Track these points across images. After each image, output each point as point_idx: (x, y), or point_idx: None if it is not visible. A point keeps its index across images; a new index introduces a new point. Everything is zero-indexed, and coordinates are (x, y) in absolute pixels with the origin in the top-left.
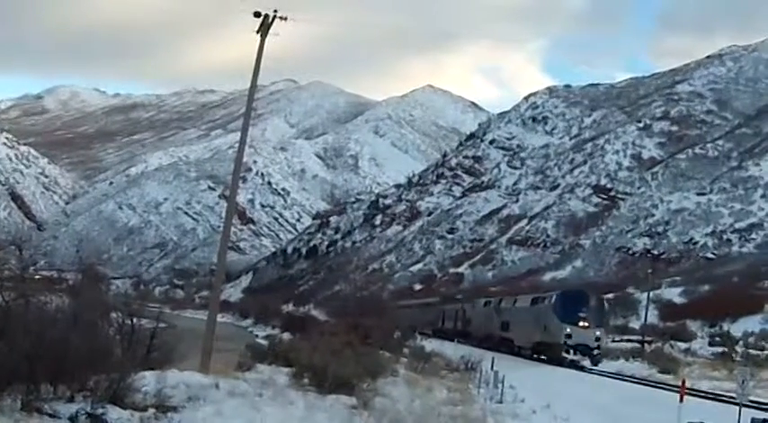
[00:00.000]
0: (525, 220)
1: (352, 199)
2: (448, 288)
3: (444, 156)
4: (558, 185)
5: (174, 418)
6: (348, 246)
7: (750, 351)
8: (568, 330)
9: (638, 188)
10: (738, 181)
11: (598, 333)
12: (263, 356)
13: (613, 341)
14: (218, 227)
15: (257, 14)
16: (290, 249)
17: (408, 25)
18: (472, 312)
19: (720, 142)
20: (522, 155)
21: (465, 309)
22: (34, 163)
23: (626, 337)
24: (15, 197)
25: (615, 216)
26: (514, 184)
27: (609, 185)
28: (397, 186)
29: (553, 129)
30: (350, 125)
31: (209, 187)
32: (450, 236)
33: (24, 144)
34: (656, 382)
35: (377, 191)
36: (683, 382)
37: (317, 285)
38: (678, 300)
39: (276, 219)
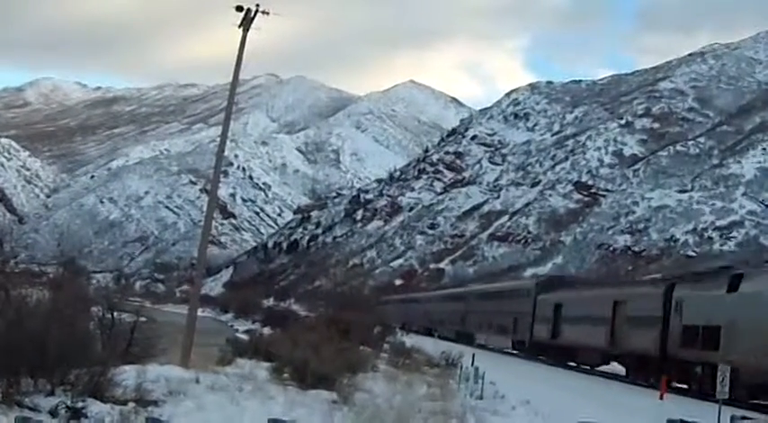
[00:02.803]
0: (506, 216)
1: (334, 194)
2: (428, 283)
3: (426, 151)
4: (540, 182)
5: (155, 412)
6: (329, 241)
7: None
8: None
9: (620, 185)
10: (720, 179)
11: None
12: (243, 351)
13: None
14: (199, 221)
15: (239, 9)
16: (270, 244)
17: (391, 21)
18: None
19: (702, 140)
20: (504, 151)
21: (681, 301)
22: (15, 156)
23: None
24: None
25: (596, 213)
26: (496, 180)
27: (590, 182)
28: (379, 181)
29: (535, 125)
30: (331, 120)
31: (191, 181)
32: (431, 231)
33: (5, 137)
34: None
35: (358, 186)
36: (664, 381)
37: (298, 280)
38: None
39: (257, 213)
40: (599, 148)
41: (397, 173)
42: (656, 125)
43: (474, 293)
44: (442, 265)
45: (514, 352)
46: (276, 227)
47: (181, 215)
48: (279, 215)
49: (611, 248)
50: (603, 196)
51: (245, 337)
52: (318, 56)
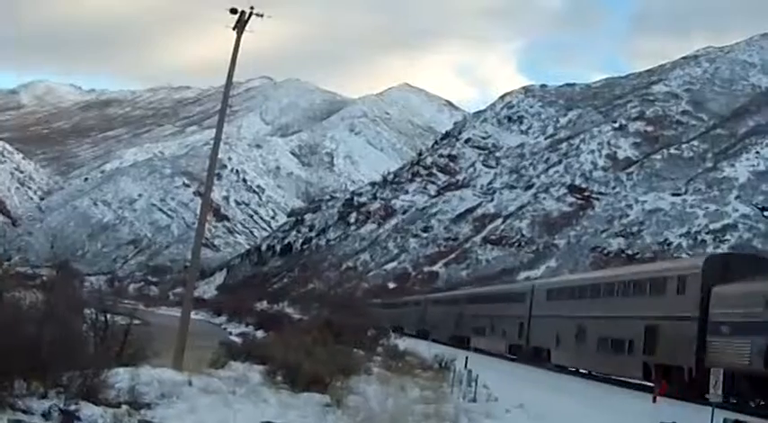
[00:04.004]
0: (500, 220)
1: (327, 197)
2: (421, 286)
3: (420, 154)
4: (533, 185)
5: (148, 415)
6: (323, 243)
7: None
8: None
9: (613, 188)
10: (713, 182)
11: None
12: (236, 354)
13: None
14: (193, 224)
15: (233, 11)
16: (264, 247)
17: (385, 24)
18: None
19: (696, 143)
20: (498, 154)
21: None
22: (9, 158)
23: None
24: None
25: (590, 216)
26: (489, 183)
27: (584, 185)
28: (372, 184)
29: (528, 128)
30: (325, 123)
31: (184, 184)
32: (424, 234)
33: None
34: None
35: (352, 189)
36: (658, 384)
37: (291, 283)
38: None
39: (251, 216)
40: (593, 152)
41: (391, 176)
42: (649, 128)
43: (547, 288)
44: (435, 269)
45: (650, 384)
46: (270, 230)
47: (174, 218)
48: (272, 218)
49: (605, 251)
50: (597, 199)
51: (238, 339)
52: (313, 58)
